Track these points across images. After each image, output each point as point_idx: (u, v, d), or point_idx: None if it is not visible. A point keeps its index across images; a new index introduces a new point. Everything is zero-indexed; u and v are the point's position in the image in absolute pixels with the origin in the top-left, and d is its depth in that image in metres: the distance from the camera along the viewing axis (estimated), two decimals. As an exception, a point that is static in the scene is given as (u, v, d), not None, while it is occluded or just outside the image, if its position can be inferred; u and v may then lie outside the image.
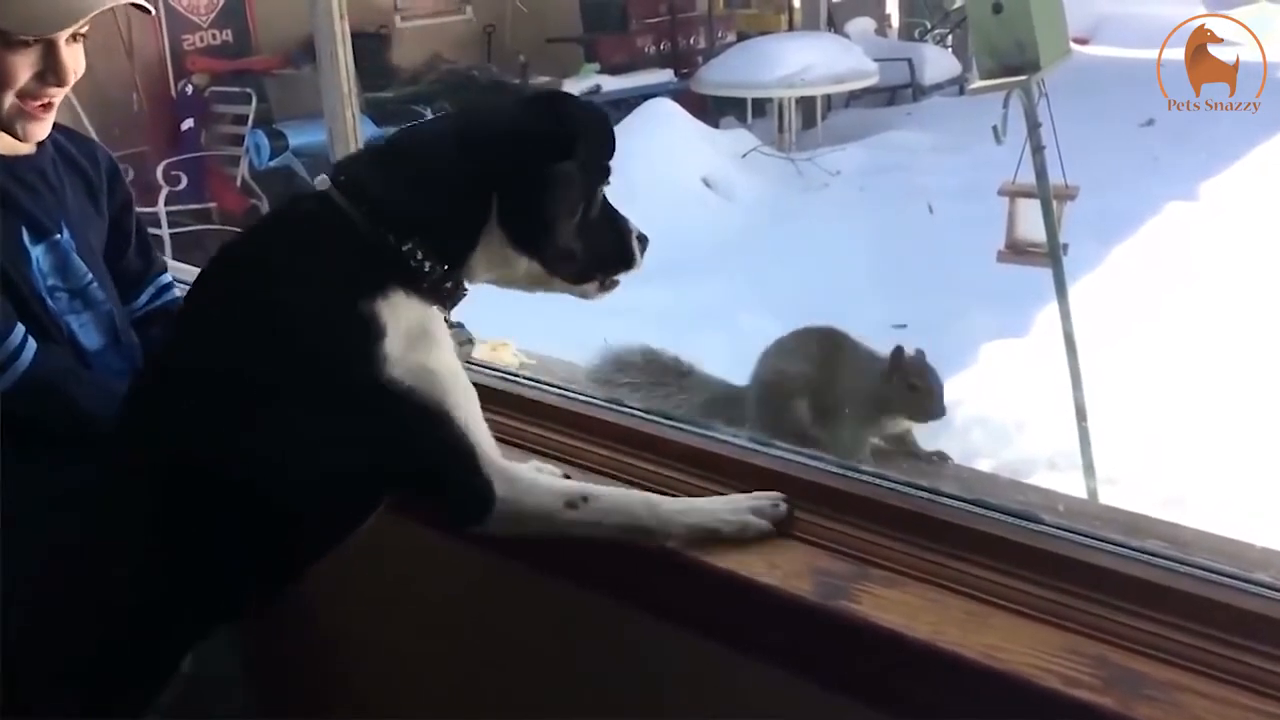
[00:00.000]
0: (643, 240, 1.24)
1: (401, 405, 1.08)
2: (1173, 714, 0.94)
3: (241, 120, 7.74)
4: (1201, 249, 6.05)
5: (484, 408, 1.18)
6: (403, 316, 1.10)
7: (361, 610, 1.62)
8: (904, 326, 5.64)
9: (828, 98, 9.62)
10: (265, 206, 7.71)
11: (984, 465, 4.29)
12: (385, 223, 1.10)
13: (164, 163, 7.31)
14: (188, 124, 7.78)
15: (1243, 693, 0.96)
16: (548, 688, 1.43)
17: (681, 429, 1.43)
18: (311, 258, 1.12)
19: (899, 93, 10.32)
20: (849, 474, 1.29)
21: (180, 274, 1.70)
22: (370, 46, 7.97)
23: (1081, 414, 3.45)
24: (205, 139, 7.84)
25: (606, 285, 1.24)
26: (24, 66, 1.35)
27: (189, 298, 1.23)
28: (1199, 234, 6.29)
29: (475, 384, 1.18)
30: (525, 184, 1.12)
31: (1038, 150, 3.33)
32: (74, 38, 1.39)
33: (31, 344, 1.35)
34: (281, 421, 1.10)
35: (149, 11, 1.52)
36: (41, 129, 1.43)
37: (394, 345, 1.08)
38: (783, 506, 1.24)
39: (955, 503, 1.21)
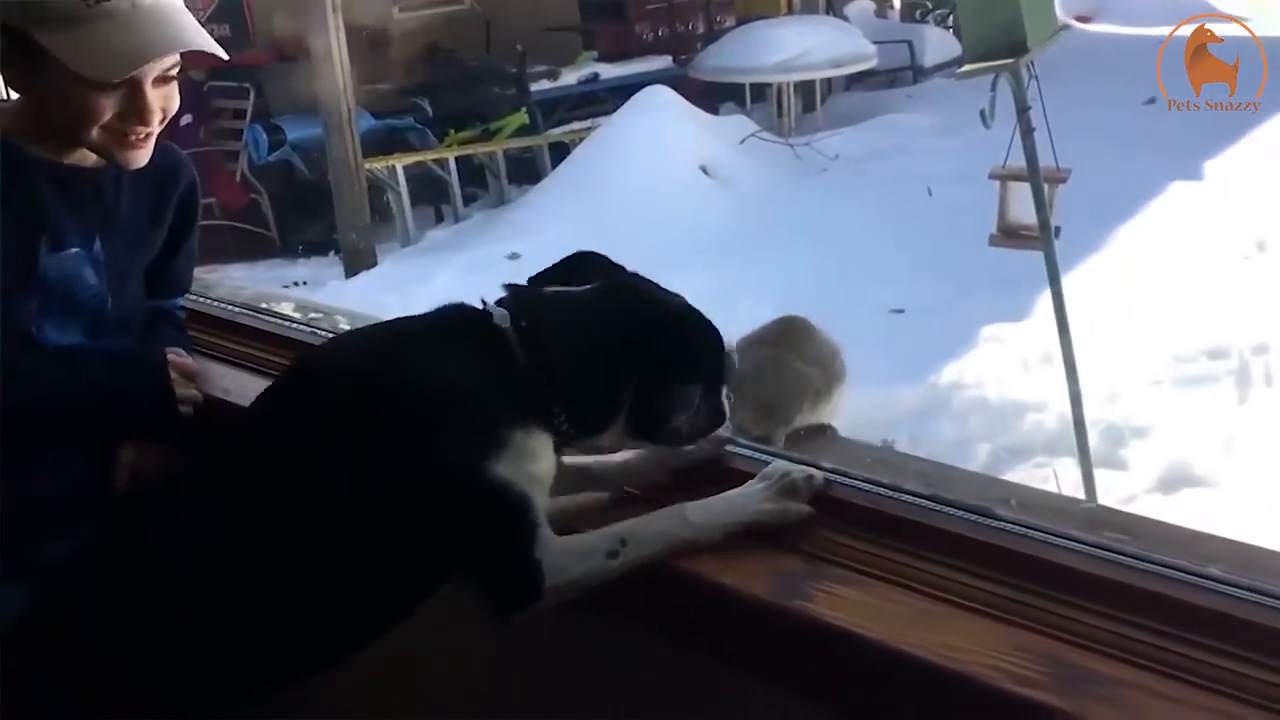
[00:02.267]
0: (729, 397, 1.31)
1: (490, 499, 1.14)
2: (1121, 711, 0.94)
3: (240, 115, 7.75)
4: (1206, 228, 6.01)
5: None
6: (525, 445, 1.17)
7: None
8: (901, 311, 5.64)
9: (827, 81, 9.60)
10: (265, 201, 7.74)
11: (981, 450, 4.30)
12: (551, 382, 1.19)
13: (162, 159, 7.31)
14: (186, 119, 7.76)
15: (1193, 690, 0.96)
16: (509, 691, 1.43)
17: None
18: (471, 361, 1.20)
19: (899, 75, 10.28)
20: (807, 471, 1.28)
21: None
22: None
23: (1076, 398, 3.44)
24: (204, 134, 7.84)
25: (695, 443, 1.31)
26: (109, 106, 1.37)
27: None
28: (1204, 213, 6.25)
29: None
30: (654, 394, 1.23)
31: (1027, 133, 3.31)
32: (163, 79, 1.40)
33: None
34: (370, 487, 1.15)
35: (225, 60, 1.57)
36: (138, 156, 1.43)
37: (503, 460, 1.14)
38: (818, 478, 1.23)
39: (913, 499, 1.21)
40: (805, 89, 9.27)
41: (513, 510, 1.14)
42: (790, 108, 8.93)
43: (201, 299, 1.97)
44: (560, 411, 1.19)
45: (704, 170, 7.46)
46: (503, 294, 1.24)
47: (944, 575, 1.12)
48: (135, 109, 1.38)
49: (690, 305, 1.25)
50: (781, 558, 1.18)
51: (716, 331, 1.27)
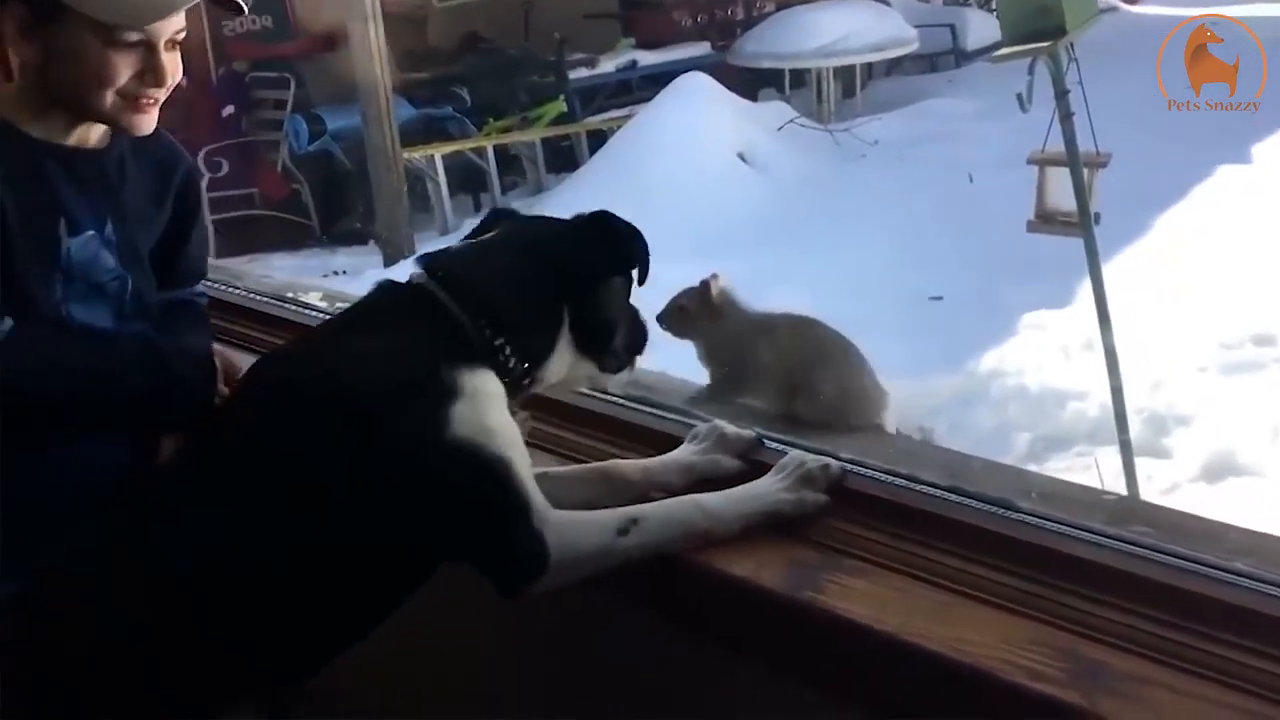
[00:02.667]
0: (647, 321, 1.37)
1: (463, 459, 1.12)
2: (1137, 707, 0.92)
3: (281, 105, 7.81)
4: (1254, 213, 5.88)
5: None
6: (480, 386, 1.17)
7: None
8: (940, 299, 5.57)
9: (867, 66, 9.50)
10: (305, 191, 7.80)
11: (1021, 439, 4.25)
12: (484, 317, 1.20)
13: (205, 149, 7.40)
14: (228, 110, 7.86)
15: (1215, 686, 0.94)
16: (515, 679, 1.43)
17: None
18: (407, 329, 1.20)
19: (941, 59, 10.15)
20: (824, 460, 1.26)
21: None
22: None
23: (1117, 387, 3.38)
24: (246, 124, 7.91)
25: (630, 369, 1.37)
26: (125, 66, 1.38)
27: (278, 354, 1.31)
28: (1251, 197, 6.11)
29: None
30: (591, 297, 1.27)
31: (1066, 118, 3.25)
32: (172, 43, 1.42)
33: (5, 327, 1.37)
34: (350, 478, 1.13)
35: (242, 11, 1.57)
36: (146, 122, 1.45)
37: (464, 408, 1.14)
38: (834, 467, 1.23)
39: (929, 490, 1.19)
40: (845, 74, 9.18)
41: (491, 471, 1.12)
42: (830, 93, 8.84)
43: (229, 288, 1.98)
44: (504, 345, 1.20)
45: (741, 157, 7.41)
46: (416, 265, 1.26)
47: (959, 567, 1.11)
48: (151, 68, 1.39)
49: (586, 213, 1.28)
50: (795, 548, 1.17)
51: (620, 222, 1.28)
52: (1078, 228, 3.40)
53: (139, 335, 1.53)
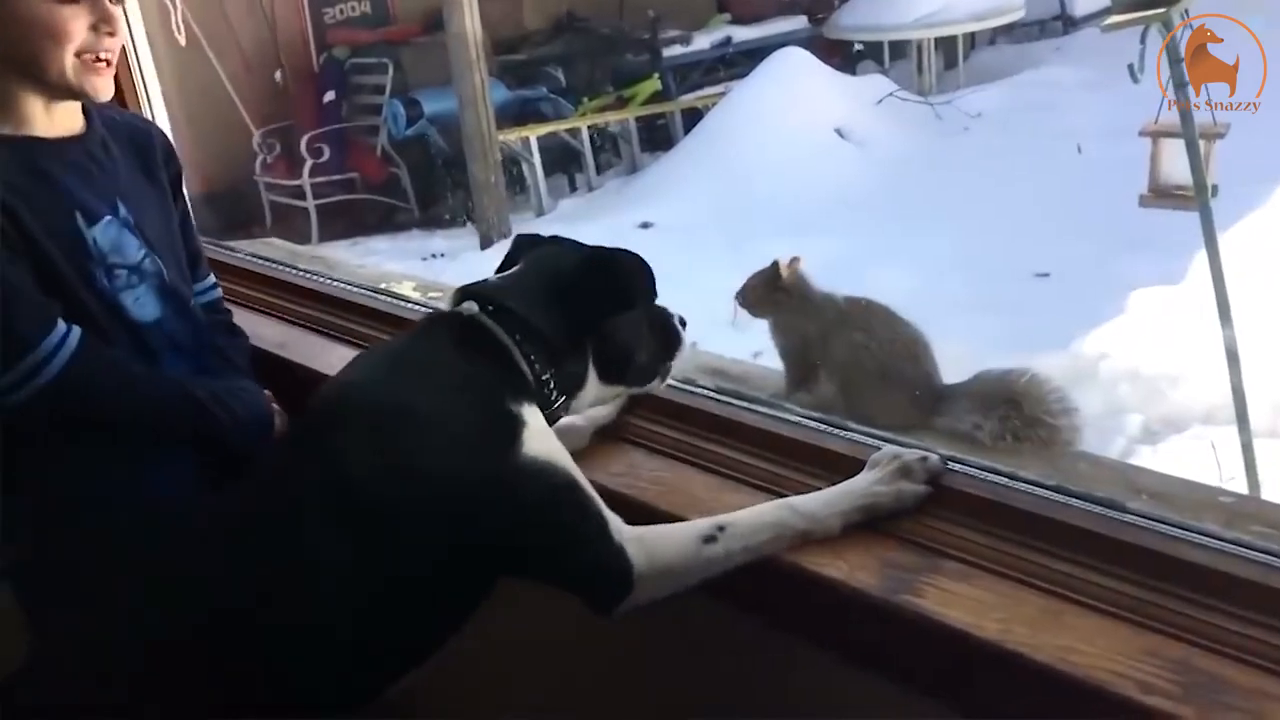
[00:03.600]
0: (682, 322, 1.40)
1: (539, 479, 1.14)
2: (1256, 727, 0.87)
3: (379, 90, 7.91)
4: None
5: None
6: (533, 419, 1.20)
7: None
8: (1047, 275, 5.40)
9: (970, 36, 9.22)
10: (404, 174, 7.91)
11: (1133, 421, 4.10)
12: (534, 352, 1.24)
13: (307, 136, 7.55)
14: (329, 96, 8.00)
15: (1341, 704, 0.88)
16: (609, 678, 1.42)
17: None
18: (467, 363, 1.22)
19: (1047, 26, 9.81)
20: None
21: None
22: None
23: (1238, 385, 3.22)
24: (346, 110, 8.05)
25: (665, 374, 1.41)
26: (78, 20, 1.43)
27: (342, 382, 1.27)
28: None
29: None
30: (607, 333, 1.31)
31: (1181, 86, 3.09)
32: None
33: (72, 341, 1.40)
34: (429, 500, 1.12)
35: None
36: (106, 85, 1.50)
37: (530, 438, 1.17)
38: (933, 459, 1.20)
39: (1034, 489, 1.14)
40: (947, 44, 8.93)
41: (564, 489, 1.14)
42: (930, 65, 8.61)
43: (325, 279, 2.01)
44: (550, 378, 1.24)
45: (839, 133, 7.27)
46: (451, 298, 1.29)
47: (1065, 572, 1.06)
48: (103, 16, 1.44)
49: (599, 248, 1.33)
50: (892, 549, 1.14)
51: (623, 262, 1.32)
52: (1193, 201, 3.24)
53: (176, 383, 1.54)
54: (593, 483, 1.18)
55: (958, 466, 1.20)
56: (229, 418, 1.53)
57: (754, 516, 1.16)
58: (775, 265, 1.58)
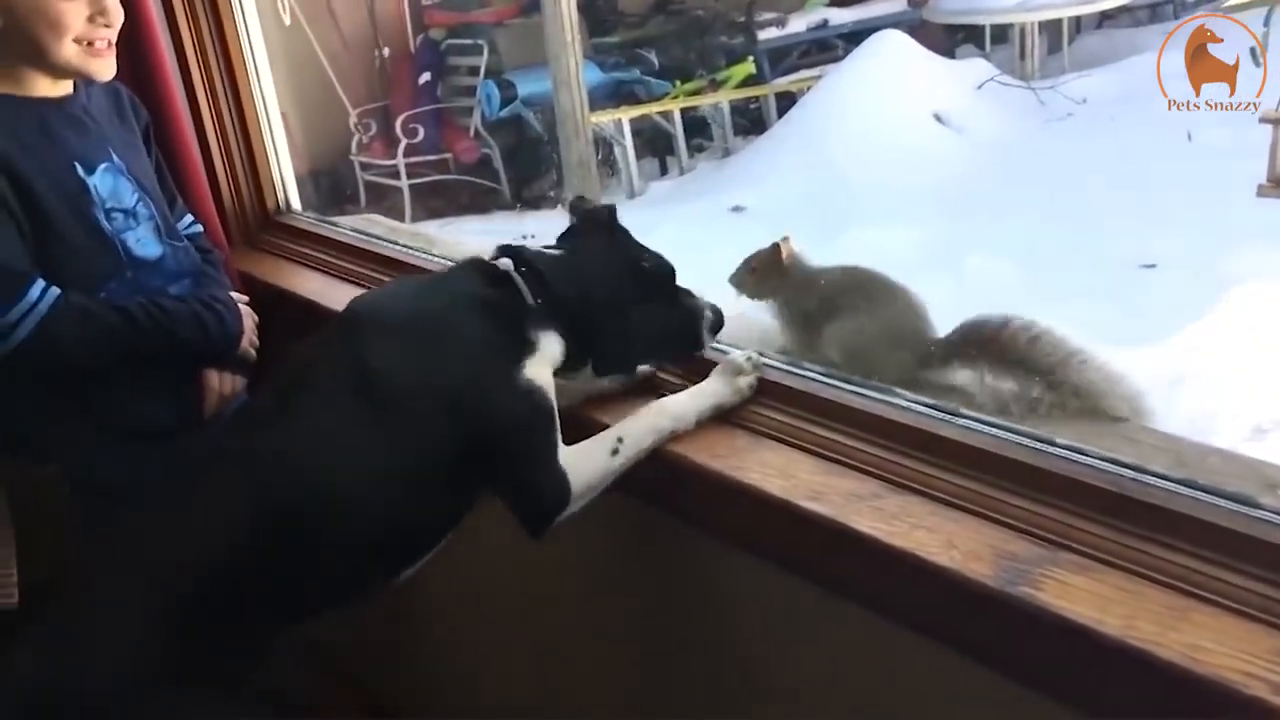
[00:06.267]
0: (718, 317, 1.47)
1: (528, 398, 1.29)
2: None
3: (474, 71, 7.97)
4: None
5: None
6: (548, 350, 1.33)
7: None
8: (1153, 267, 5.23)
9: (1076, 19, 8.96)
10: (496, 155, 7.97)
11: (1240, 421, 3.95)
12: (551, 310, 1.36)
13: (402, 116, 7.64)
14: (425, 77, 8.08)
15: None
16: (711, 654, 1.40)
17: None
18: (501, 292, 1.37)
19: (1159, 10, 9.48)
20: (1043, 448, 1.19)
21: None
22: None
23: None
24: (441, 91, 8.13)
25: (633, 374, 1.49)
26: (76, 12, 1.56)
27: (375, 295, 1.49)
28: None
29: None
30: (621, 320, 1.40)
31: (1308, 71, 2.96)
32: None
33: (50, 295, 1.55)
34: (436, 392, 1.28)
35: None
36: (108, 66, 1.64)
37: (532, 363, 1.31)
38: (755, 356, 1.41)
39: (1161, 482, 1.09)
40: (1051, 28, 8.68)
41: (545, 415, 1.28)
42: (1034, 49, 8.38)
43: (424, 254, 2.02)
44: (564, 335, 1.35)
45: (937, 118, 7.12)
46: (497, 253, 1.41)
47: (1193, 568, 1.02)
48: (100, 9, 1.57)
49: (643, 247, 1.49)
50: (1009, 539, 1.10)
51: (654, 254, 1.48)
52: (1317, 192, 3.11)
53: (185, 298, 1.73)
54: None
55: (1072, 453, 1.16)
56: (215, 319, 1.73)
57: (641, 425, 1.33)
58: (776, 247, 1.59)
